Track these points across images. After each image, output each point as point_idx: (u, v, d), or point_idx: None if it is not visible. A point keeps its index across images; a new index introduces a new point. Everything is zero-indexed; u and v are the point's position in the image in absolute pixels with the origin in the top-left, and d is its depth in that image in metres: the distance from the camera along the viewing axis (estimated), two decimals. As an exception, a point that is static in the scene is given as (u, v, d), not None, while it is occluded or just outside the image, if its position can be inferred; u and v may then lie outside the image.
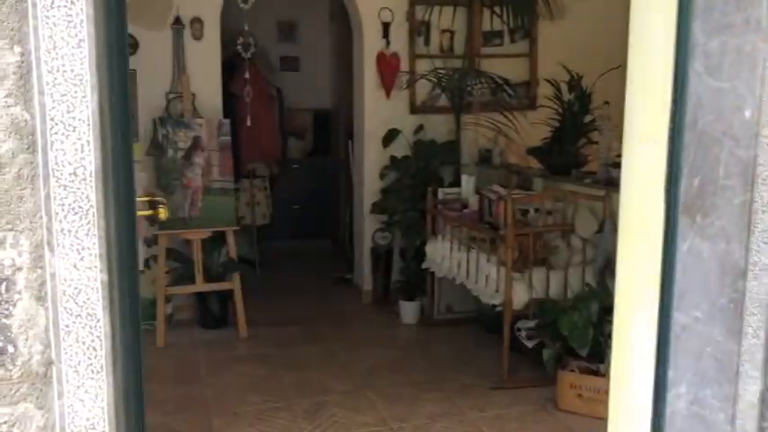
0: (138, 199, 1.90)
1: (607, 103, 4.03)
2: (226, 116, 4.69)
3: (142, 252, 4.39)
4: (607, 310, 3.31)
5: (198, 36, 4.61)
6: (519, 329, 3.53)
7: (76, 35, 1.01)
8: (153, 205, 1.88)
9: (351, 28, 5.22)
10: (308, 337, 4.41)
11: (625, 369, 1.79)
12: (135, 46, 4.48)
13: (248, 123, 4.93)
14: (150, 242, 4.51)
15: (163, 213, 1.81)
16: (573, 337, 3.22)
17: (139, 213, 1.81)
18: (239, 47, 4.76)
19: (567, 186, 4.00)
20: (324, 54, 7.02)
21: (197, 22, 4.60)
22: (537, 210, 3.96)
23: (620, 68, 4.62)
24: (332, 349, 4.21)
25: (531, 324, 3.48)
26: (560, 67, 4.24)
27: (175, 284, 4.47)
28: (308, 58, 7.05)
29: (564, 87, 4.27)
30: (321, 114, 7.03)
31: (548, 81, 4.27)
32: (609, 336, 3.26)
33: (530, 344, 3.51)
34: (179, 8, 4.54)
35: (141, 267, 4.35)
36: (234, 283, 4.42)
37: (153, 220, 4.53)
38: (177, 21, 4.55)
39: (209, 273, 4.51)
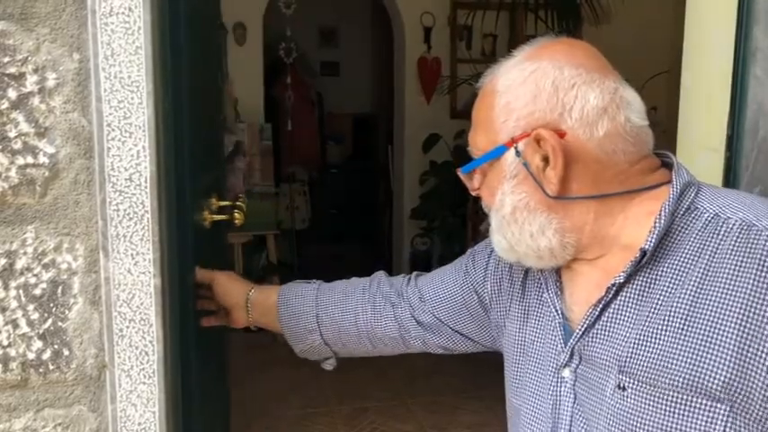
0: (216, 202, 1.91)
1: (654, 108, 3.95)
2: (267, 121, 4.72)
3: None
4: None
5: (241, 41, 4.66)
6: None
7: (134, 42, 1.02)
8: (230, 210, 1.89)
9: (392, 33, 5.22)
10: (346, 342, 4.41)
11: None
12: (180, 51, 4.55)
13: (289, 128, 4.96)
14: (192, 245, 4.57)
15: (239, 219, 1.82)
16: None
17: (215, 218, 1.82)
18: (281, 52, 4.80)
19: (611, 193, 3.93)
20: (364, 59, 7.05)
21: (240, 27, 4.64)
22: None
23: (668, 73, 4.55)
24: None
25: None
26: (605, 73, 4.17)
27: (216, 287, 4.51)
28: (349, 63, 7.08)
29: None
30: (361, 119, 7.05)
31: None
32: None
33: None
34: (222, 13, 4.59)
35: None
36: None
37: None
38: (220, 26, 4.60)
39: (249, 276, 4.53)
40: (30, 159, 1.03)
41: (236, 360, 4.05)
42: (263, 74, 4.81)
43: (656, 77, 4.20)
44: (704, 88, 1.71)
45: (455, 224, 4.67)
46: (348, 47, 7.08)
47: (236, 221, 1.79)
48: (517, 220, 0.95)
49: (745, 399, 0.81)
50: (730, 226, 0.86)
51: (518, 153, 0.93)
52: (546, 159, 0.90)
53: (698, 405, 0.83)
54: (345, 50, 7.08)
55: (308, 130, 5.87)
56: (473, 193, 1.04)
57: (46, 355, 1.06)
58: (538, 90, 0.92)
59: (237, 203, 1.87)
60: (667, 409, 0.84)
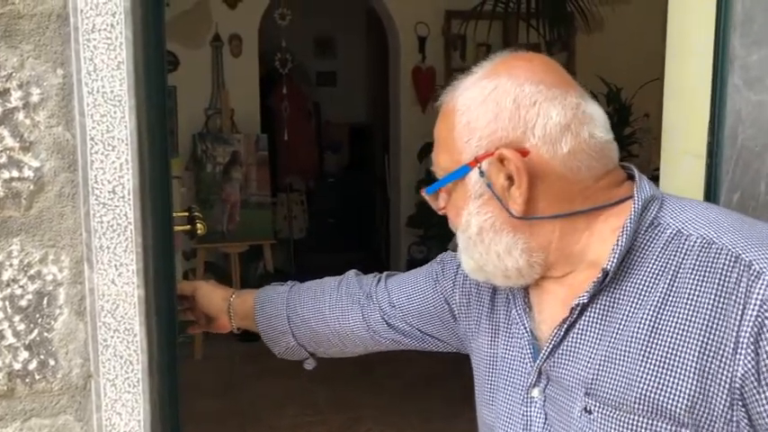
0: (175, 214, 1.94)
1: (647, 115, 3.98)
2: (264, 131, 4.75)
3: (181, 265, 4.48)
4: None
5: (236, 53, 4.70)
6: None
7: (116, 57, 1.04)
8: (191, 220, 1.91)
9: (387, 43, 5.26)
10: (343, 351, 4.42)
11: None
12: (175, 64, 4.59)
13: (285, 137, 4.99)
14: (189, 255, 4.59)
15: (201, 229, 1.83)
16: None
17: (177, 228, 1.84)
18: (277, 62, 4.84)
19: (605, 200, 3.95)
20: (360, 69, 7.09)
21: (236, 39, 4.68)
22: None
23: (659, 81, 4.58)
24: (367, 362, 4.18)
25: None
26: (598, 81, 4.20)
27: (213, 297, 4.52)
28: (345, 72, 7.13)
29: (602, 100, 4.23)
30: (358, 129, 7.09)
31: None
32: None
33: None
34: (218, 26, 4.64)
35: (181, 279, 4.43)
36: (270, 297, 4.46)
37: (192, 234, 4.61)
38: (216, 38, 4.65)
39: (246, 286, 4.55)
40: (15, 173, 1.05)
41: (233, 368, 4.08)
42: (258, 85, 4.84)
43: (649, 85, 4.23)
44: (686, 95, 1.73)
45: (451, 232, 4.67)
46: (344, 57, 7.12)
47: (199, 231, 1.81)
48: (483, 241, 0.94)
49: (709, 422, 0.80)
50: (691, 243, 0.85)
51: (482, 173, 0.92)
52: (510, 179, 0.90)
53: (663, 429, 0.82)
54: (341, 60, 7.13)
55: (305, 139, 5.90)
56: (439, 212, 1.04)
57: (32, 366, 1.08)
58: (499, 109, 0.91)
59: (195, 213, 1.89)
60: None
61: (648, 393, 0.83)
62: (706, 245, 0.84)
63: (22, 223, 1.07)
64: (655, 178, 3.65)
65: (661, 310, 0.84)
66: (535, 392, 0.96)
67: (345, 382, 3.91)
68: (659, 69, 5.38)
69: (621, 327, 0.87)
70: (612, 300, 0.89)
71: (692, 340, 0.81)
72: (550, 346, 0.93)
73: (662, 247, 0.87)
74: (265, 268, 4.53)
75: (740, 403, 0.79)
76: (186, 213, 1.96)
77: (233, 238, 4.43)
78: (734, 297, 0.79)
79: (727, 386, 0.79)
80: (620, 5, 5.12)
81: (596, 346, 0.89)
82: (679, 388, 0.81)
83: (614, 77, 4.23)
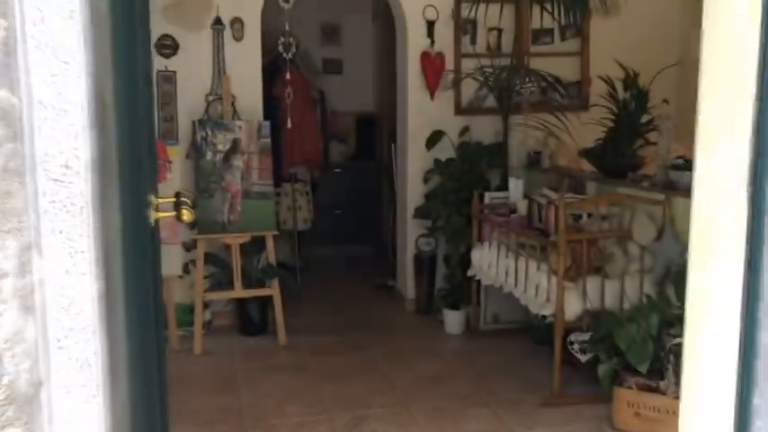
0: (161, 200, 1.77)
1: (666, 101, 3.78)
2: (267, 119, 4.57)
3: (181, 256, 4.31)
4: (668, 323, 3.08)
5: (238, 37, 4.52)
6: (572, 342, 3.31)
7: (67, 5, 0.87)
8: (177, 206, 1.74)
9: (394, 27, 5.07)
10: (348, 347, 4.26)
11: (698, 396, 1.57)
12: (175, 47, 4.42)
13: (288, 126, 4.82)
14: (189, 246, 4.43)
15: (186, 215, 1.67)
16: (631, 351, 2.98)
17: (160, 215, 1.68)
18: (280, 47, 4.66)
19: (622, 190, 3.76)
20: (367, 56, 6.90)
21: (237, 22, 4.50)
22: (590, 215, 3.73)
23: (678, 65, 4.36)
24: (373, 359, 4.04)
25: (585, 337, 3.26)
26: (613, 67, 4.00)
27: (214, 290, 4.37)
28: (352, 60, 6.93)
29: (619, 86, 4.03)
30: (364, 118, 6.90)
31: (601, 79, 4.03)
32: (670, 351, 3.02)
33: (583, 358, 3.29)
34: (219, 8, 4.46)
35: (180, 272, 4.28)
36: (273, 290, 4.30)
37: (192, 224, 4.47)
38: (217, 21, 4.47)
39: (248, 278, 4.40)
40: (-49, 144, 0.89)
41: (235, 366, 3.92)
42: (261, 70, 4.66)
43: (668, 70, 4.03)
44: (725, 75, 1.53)
45: (460, 223, 4.50)
46: (350, 44, 6.93)
47: (184, 218, 1.64)
48: None
49: None
50: None
51: None
52: None
53: None
54: (348, 47, 6.93)
55: (310, 128, 5.71)
56: None
57: (-26, 370, 0.92)
58: None
59: (182, 199, 1.72)
60: None
61: None
62: None
63: (-42, 203, 0.91)
64: (676, 167, 3.40)
65: None
66: None
67: (350, 379, 3.75)
68: (678, 53, 5.13)
69: None
70: None
71: None
72: None
73: None
74: (268, 261, 4.36)
75: None
76: (173, 199, 1.80)
77: (234, 228, 4.26)
78: None
79: None
80: (638, -13, 4.92)
81: None
82: None
83: (630, 63, 4.02)
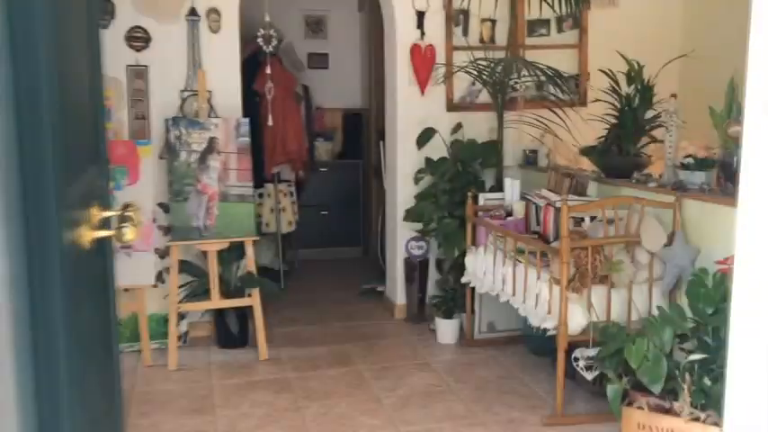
0: (98, 213, 1.48)
1: (674, 95, 3.52)
2: (248, 116, 4.29)
3: (155, 264, 4.02)
4: (681, 337, 2.83)
5: (215, 28, 4.22)
6: (576, 359, 3.05)
7: None
8: (121, 221, 1.46)
9: (382, 19, 4.79)
10: (333, 360, 3.98)
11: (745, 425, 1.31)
12: (147, 39, 4.12)
13: (270, 123, 4.53)
14: (163, 253, 4.14)
15: (129, 235, 1.38)
16: (643, 370, 2.72)
17: (96, 234, 1.39)
18: (260, 39, 4.36)
19: (626, 191, 3.51)
20: (355, 50, 6.63)
21: (214, 12, 4.21)
22: (593, 218, 3.47)
23: (685, 57, 4.10)
24: (360, 374, 3.77)
25: (591, 353, 3.00)
26: (612, 60, 3.74)
27: (190, 300, 4.08)
28: (338, 54, 6.66)
29: (621, 79, 3.77)
30: (352, 114, 6.62)
31: (603, 72, 3.77)
32: (684, 369, 2.77)
33: (589, 376, 3.03)
34: (195, -2, 4.16)
35: (152, 282, 3.98)
36: (253, 300, 4.01)
37: (167, 228, 4.17)
38: (192, 12, 4.17)
39: (226, 287, 4.12)
40: None
41: (212, 382, 3.61)
42: (240, 64, 4.37)
43: (673, 63, 3.77)
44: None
45: (452, 226, 4.23)
46: (336, 37, 6.65)
47: (126, 238, 1.36)
48: None
49: None
50: None
51: None
52: None
53: None
54: (334, 41, 6.65)
55: (294, 126, 5.43)
56: None
57: None
58: None
59: (127, 214, 1.45)
60: None
61: None
62: None
63: None
64: (685, 166, 3.11)
65: None
66: None
67: (336, 397, 3.47)
68: (682, 46, 4.81)
69: None
70: None
71: None
72: None
73: None
74: (247, 268, 4.07)
75: None
76: (118, 212, 1.51)
77: (211, 234, 3.97)
78: None
79: None
80: (639, -24, 4.67)
81: None
82: None
83: (633, 53, 3.76)
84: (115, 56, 4.06)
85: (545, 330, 3.20)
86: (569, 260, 3.07)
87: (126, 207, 1.57)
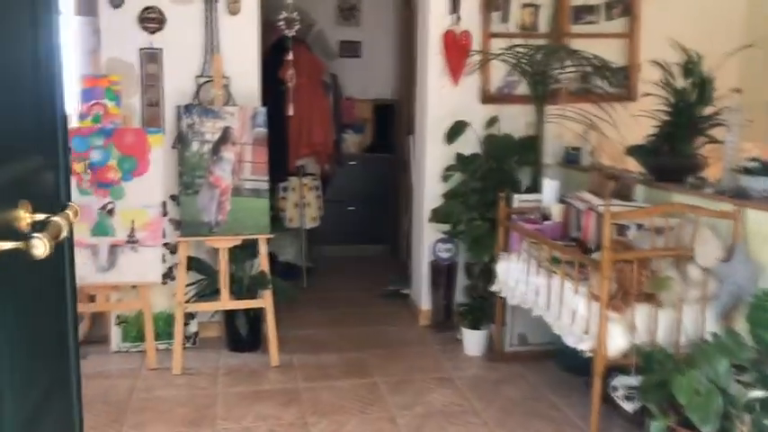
0: (26, 216, 1.20)
1: (738, 90, 3.12)
2: (271, 105, 4.00)
3: (160, 261, 3.77)
4: (738, 368, 2.45)
5: (234, 10, 3.94)
6: (615, 388, 2.69)
7: None
8: (35, 228, 1.18)
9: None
10: (349, 369, 3.69)
11: None
12: (161, 21, 3.88)
13: (290, 113, 4.24)
14: (174, 248, 3.90)
15: (37, 248, 1.09)
16: (693, 406, 2.35)
17: (2, 247, 1.11)
18: (281, 23, 4.08)
19: (678, 197, 3.13)
20: (388, 38, 6.30)
21: (233, -7, 3.93)
22: (639, 227, 3.09)
23: (749, 48, 3.66)
24: (376, 387, 3.47)
25: (633, 381, 2.63)
26: (666, 51, 3.34)
27: (199, 299, 3.83)
28: (371, 42, 6.35)
29: (676, 72, 3.37)
30: (383, 106, 6.30)
31: (656, 63, 3.37)
32: (743, 407, 2.40)
33: (629, 407, 2.66)
34: (212, -23, 3.89)
35: (159, 279, 3.75)
36: (265, 301, 3.74)
37: (178, 222, 3.92)
38: (218, -9, 3.90)
39: (238, 287, 3.86)
40: None
41: (216, 391, 3.33)
42: (259, 49, 4.09)
43: (738, 54, 3.36)
44: None
45: (483, 229, 3.89)
46: (370, 25, 6.33)
47: (35, 252, 1.08)
48: None
49: None
50: None
51: None
52: None
53: None
54: (367, 29, 6.34)
55: (320, 117, 5.14)
56: None
57: None
58: None
59: (53, 219, 1.16)
60: None
61: None
62: None
63: None
64: (749, 170, 2.68)
65: None
66: None
67: (347, 413, 3.18)
68: (744, 35, 4.25)
69: None
70: None
71: None
72: None
73: None
74: (260, 268, 3.79)
75: None
76: (44, 216, 1.23)
77: (222, 230, 3.70)
78: None
79: None
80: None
81: None
82: None
83: (690, 43, 3.36)
84: (127, 38, 3.83)
85: (581, 351, 2.85)
86: (611, 274, 2.71)
87: (63, 209, 1.29)
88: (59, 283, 1.58)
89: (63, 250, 1.59)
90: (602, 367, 2.73)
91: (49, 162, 1.48)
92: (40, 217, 1.26)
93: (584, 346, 2.79)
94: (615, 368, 2.76)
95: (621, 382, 2.67)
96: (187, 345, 3.92)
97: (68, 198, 1.62)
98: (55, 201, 1.48)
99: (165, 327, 3.92)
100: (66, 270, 1.60)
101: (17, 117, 1.30)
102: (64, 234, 1.19)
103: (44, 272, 1.47)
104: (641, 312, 2.74)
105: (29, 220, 1.24)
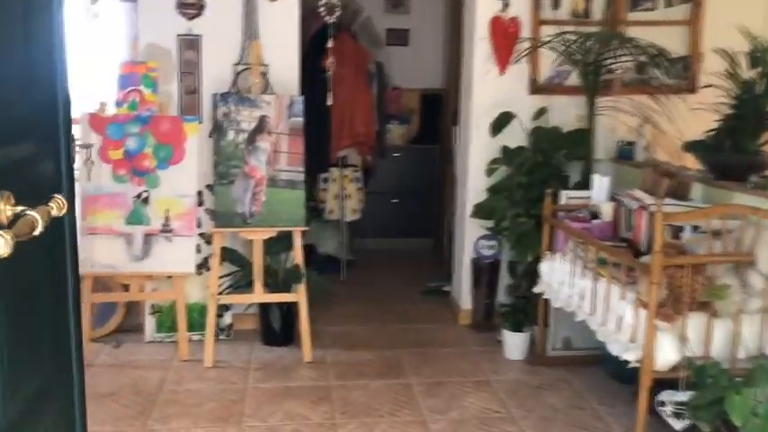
0: (7, 207, 1.11)
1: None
2: (313, 94, 3.89)
3: (195, 251, 3.71)
4: (802, 389, 2.22)
5: (274, -4, 3.84)
6: (662, 403, 2.48)
7: None
8: (13, 221, 1.08)
9: (463, -11, 4.27)
10: (383, 368, 3.56)
11: None
12: (200, 7, 3.81)
13: (329, 102, 4.12)
14: (210, 239, 3.84)
15: (3, 249, 0.99)
16: (749, 428, 2.15)
17: None
18: (322, 9, 3.96)
19: (739, 197, 2.88)
20: (437, 26, 6.11)
21: (273, -22, 3.83)
22: (696, 229, 2.86)
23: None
24: (409, 389, 3.34)
25: (682, 397, 2.43)
26: (731, 39, 3.08)
27: (232, 291, 3.77)
28: (419, 30, 6.17)
29: (742, 62, 3.11)
30: (431, 95, 6.12)
31: (720, 52, 3.12)
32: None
33: (677, 425, 2.46)
34: (252, -38, 3.80)
35: (193, 270, 3.70)
36: (299, 296, 3.64)
37: (214, 213, 3.87)
38: (253, -24, 3.81)
39: (273, 279, 3.77)
40: None
41: (246, 385, 3.25)
42: (299, 36, 3.98)
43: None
44: None
45: (528, 227, 3.70)
46: (419, 12, 6.16)
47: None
48: None
49: None
50: None
51: None
52: None
53: None
54: (416, 16, 6.17)
55: (363, 106, 5.02)
56: None
57: None
58: None
59: (28, 213, 1.06)
60: None
61: None
62: None
63: None
64: None
65: None
66: None
67: (380, 415, 3.06)
68: None
69: None
70: None
71: None
72: None
73: None
74: (295, 262, 3.70)
75: None
76: (21, 208, 1.13)
77: (256, 222, 3.62)
78: None
79: None
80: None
81: None
82: None
83: (755, 33, 3.10)
84: (165, 24, 3.78)
85: (626, 362, 2.65)
86: (661, 280, 2.50)
87: (48, 201, 1.20)
88: (60, 273, 1.50)
89: (64, 241, 1.51)
90: (648, 380, 2.52)
91: (44, 150, 1.39)
92: (19, 210, 1.16)
93: (630, 356, 2.59)
94: (663, 382, 2.55)
95: (670, 397, 2.47)
96: (221, 336, 3.86)
97: (71, 188, 1.53)
98: (48, 192, 1.39)
99: (199, 318, 3.88)
100: (68, 260, 1.52)
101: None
102: (39, 229, 1.09)
103: (41, 264, 1.39)
104: (694, 322, 2.52)
105: (8, 213, 1.14)
